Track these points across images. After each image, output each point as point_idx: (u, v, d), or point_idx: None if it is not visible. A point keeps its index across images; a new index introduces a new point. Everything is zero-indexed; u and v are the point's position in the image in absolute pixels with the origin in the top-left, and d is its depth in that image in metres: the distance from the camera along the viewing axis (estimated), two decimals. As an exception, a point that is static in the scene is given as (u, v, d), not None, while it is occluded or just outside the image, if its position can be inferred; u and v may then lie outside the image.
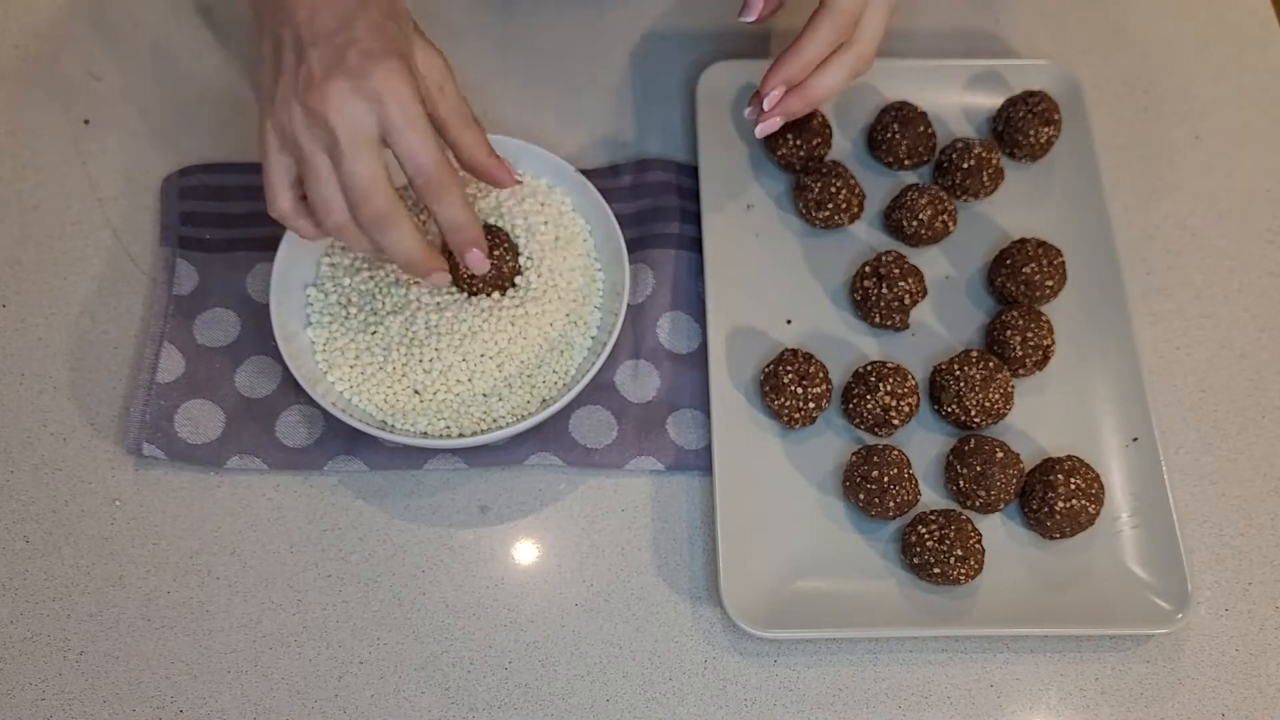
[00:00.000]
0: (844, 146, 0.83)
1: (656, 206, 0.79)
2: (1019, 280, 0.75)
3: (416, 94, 0.62)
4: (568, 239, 0.75)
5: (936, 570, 0.67)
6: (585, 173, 0.77)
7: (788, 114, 0.72)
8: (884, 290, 0.74)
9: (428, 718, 0.66)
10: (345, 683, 0.67)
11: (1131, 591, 0.69)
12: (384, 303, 0.72)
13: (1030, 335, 0.73)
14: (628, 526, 0.72)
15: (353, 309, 0.73)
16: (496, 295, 0.72)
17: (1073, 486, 0.69)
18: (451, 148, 0.67)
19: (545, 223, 0.75)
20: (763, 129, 0.72)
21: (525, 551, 0.71)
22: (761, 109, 0.72)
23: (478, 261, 0.66)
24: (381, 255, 0.66)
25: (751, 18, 0.71)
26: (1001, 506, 0.70)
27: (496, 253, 0.72)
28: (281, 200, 0.64)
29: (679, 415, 0.74)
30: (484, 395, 0.70)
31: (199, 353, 0.74)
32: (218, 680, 0.67)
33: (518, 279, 0.73)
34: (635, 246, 0.77)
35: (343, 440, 0.72)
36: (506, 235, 0.74)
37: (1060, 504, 0.68)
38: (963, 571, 0.67)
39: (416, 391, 0.70)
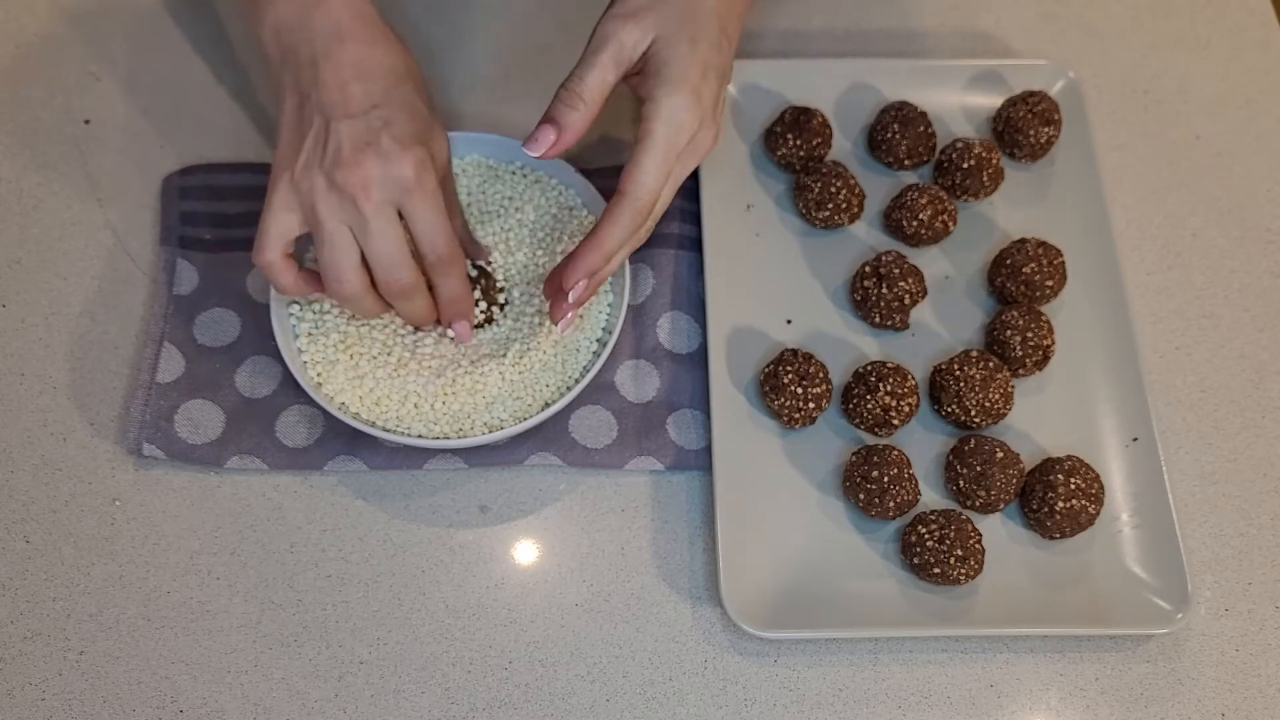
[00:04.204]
0: (844, 146, 0.83)
1: (656, 206, 0.79)
2: (1019, 280, 0.75)
3: (436, 181, 0.65)
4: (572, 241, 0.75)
5: (936, 570, 0.67)
6: (586, 173, 0.77)
7: (583, 303, 0.69)
8: (884, 290, 0.74)
9: (428, 718, 0.66)
10: (345, 683, 0.67)
11: (1131, 591, 0.69)
12: (384, 330, 0.73)
13: (1030, 335, 0.73)
14: (628, 526, 0.72)
15: (347, 335, 0.72)
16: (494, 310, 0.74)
17: (1073, 486, 0.69)
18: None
19: (551, 225, 0.75)
20: (564, 326, 0.69)
21: (525, 551, 0.71)
22: (565, 297, 0.67)
23: (463, 333, 0.70)
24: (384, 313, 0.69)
25: (538, 153, 0.65)
26: (1001, 506, 0.70)
27: (480, 306, 0.73)
28: (270, 252, 0.66)
29: (679, 415, 0.74)
30: (488, 404, 0.70)
31: (199, 353, 0.74)
32: (218, 680, 0.67)
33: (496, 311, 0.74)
34: (635, 246, 0.77)
35: (343, 440, 0.72)
36: (491, 280, 0.74)
37: (1060, 504, 0.68)
38: (963, 571, 0.67)
39: (415, 405, 0.70)
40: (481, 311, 0.73)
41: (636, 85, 0.67)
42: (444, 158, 0.69)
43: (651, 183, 0.65)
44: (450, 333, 0.70)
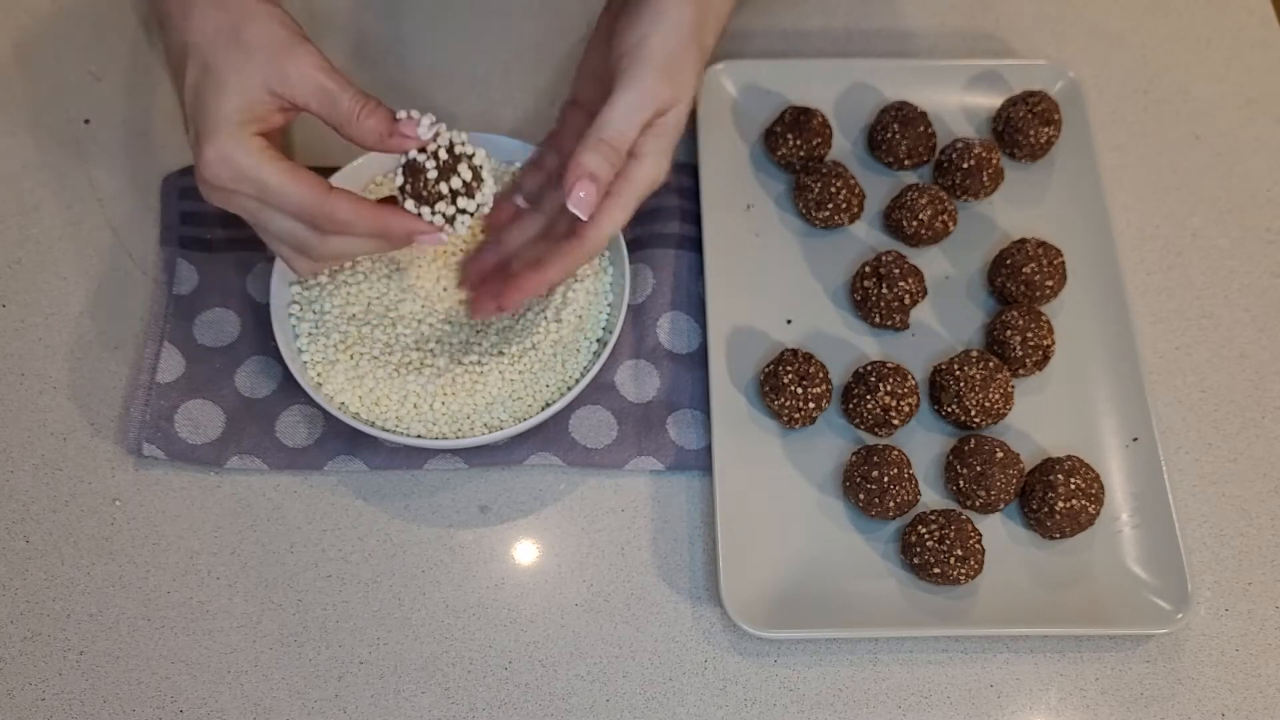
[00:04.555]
0: (844, 146, 0.83)
1: (656, 206, 0.79)
2: (1019, 280, 0.75)
3: (250, 155, 0.60)
4: None
5: (936, 570, 0.67)
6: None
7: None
8: (884, 290, 0.74)
9: (428, 718, 0.66)
10: (345, 683, 0.67)
11: (1131, 591, 0.69)
12: (381, 324, 0.72)
13: (1030, 335, 0.73)
14: (628, 526, 0.72)
15: (347, 335, 0.72)
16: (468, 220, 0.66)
17: (1073, 486, 0.69)
18: (355, 142, 0.63)
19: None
20: (483, 316, 0.69)
21: (525, 551, 0.71)
22: (494, 305, 0.67)
23: (430, 240, 0.63)
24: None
25: (587, 214, 0.64)
26: (1001, 506, 0.70)
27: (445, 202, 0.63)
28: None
29: (679, 415, 0.74)
30: (488, 404, 0.70)
31: (199, 353, 0.74)
32: (218, 680, 0.67)
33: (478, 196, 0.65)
34: (635, 246, 0.77)
35: (343, 440, 0.72)
36: (470, 164, 0.63)
37: (1060, 504, 0.68)
38: (963, 571, 0.67)
39: (415, 405, 0.70)
40: (449, 208, 0.63)
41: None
42: (307, 83, 0.61)
43: (612, 229, 0.65)
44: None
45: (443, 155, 0.62)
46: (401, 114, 0.62)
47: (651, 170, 0.65)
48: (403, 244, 0.64)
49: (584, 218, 0.63)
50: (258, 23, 0.61)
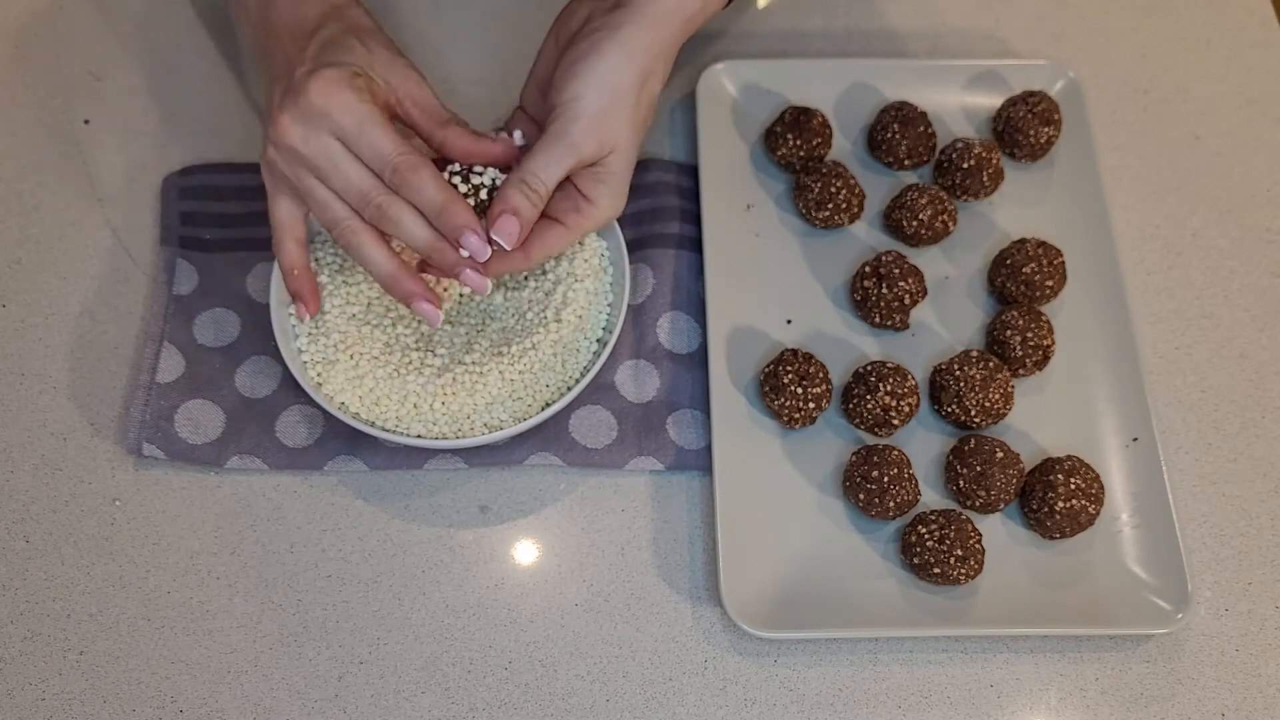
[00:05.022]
0: (844, 146, 0.83)
1: (656, 206, 0.79)
2: (1019, 280, 0.75)
3: (361, 94, 0.64)
4: (583, 251, 0.74)
5: (936, 570, 0.67)
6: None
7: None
8: (884, 290, 0.74)
9: (428, 718, 0.66)
10: (345, 683, 0.67)
11: (1131, 591, 0.69)
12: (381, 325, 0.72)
13: (1030, 335, 0.73)
14: (628, 526, 0.72)
15: (347, 335, 0.72)
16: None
17: (1073, 486, 0.69)
18: (439, 150, 0.68)
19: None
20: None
21: (525, 551, 0.71)
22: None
23: (477, 247, 0.64)
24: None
25: (511, 245, 0.65)
26: (1001, 506, 0.70)
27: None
28: (282, 248, 0.69)
29: (679, 415, 0.74)
30: (488, 404, 0.70)
31: (199, 353, 0.74)
32: (218, 680, 0.67)
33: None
34: (635, 246, 0.77)
35: (343, 440, 0.72)
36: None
37: (1060, 504, 0.68)
38: (963, 571, 0.67)
39: (415, 405, 0.70)
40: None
41: (575, 178, 0.68)
42: (410, 84, 0.67)
43: (558, 251, 0.69)
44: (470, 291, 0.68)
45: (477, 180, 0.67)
46: (491, 133, 0.69)
47: (604, 212, 0.69)
48: (448, 262, 0.65)
49: (508, 248, 0.65)
50: (382, 34, 0.69)
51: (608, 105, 0.66)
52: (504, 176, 0.67)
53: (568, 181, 0.68)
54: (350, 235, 0.65)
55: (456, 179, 0.66)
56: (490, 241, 0.65)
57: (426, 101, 0.68)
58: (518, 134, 0.70)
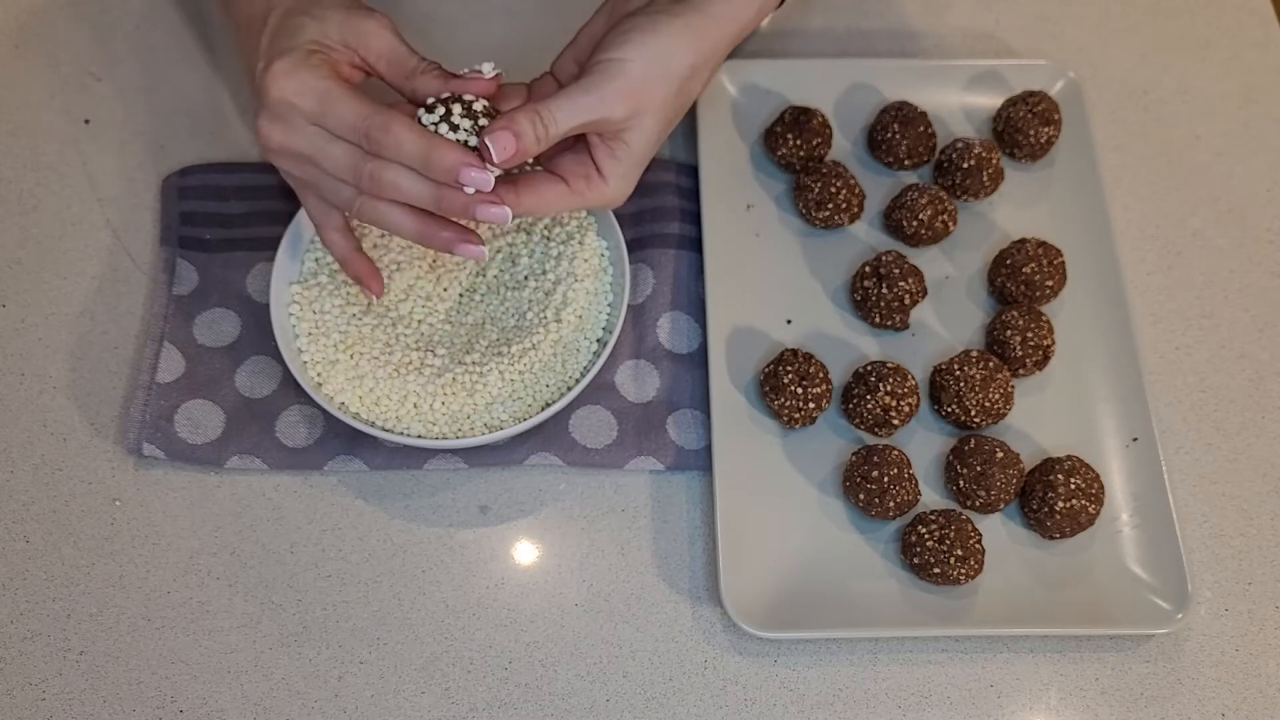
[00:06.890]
0: (844, 146, 0.83)
1: (656, 206, 0.79)
2: (1019, 280, 0.75)
3: (318, 72, 0.63)
4: (583, 250, 0.74)
5: (936, 570, 0.67)
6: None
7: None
8: (884, 290, 0.74)
9: (428, 718, 0.66)
10: (345, 683, 0.67)
11: (1131, 591, 0.69)
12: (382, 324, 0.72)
13: (1030, 335, 0.73)
14: (628, 526, 0.72)
15: (347, 335, 0.72)
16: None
17: (1073, 486, 0.69)
18: (412, 100, 0.66)
19: (550, 221, 0.75)
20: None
21: (525, 551, 0.71)
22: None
23: (477, 178, 0.62)
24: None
25: (500, 158, 0.63)
26: (1001, 506, 0.70)
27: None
28: (327, 234, 0.70)
29: (679, 415, 0.74)
30: (488, 404, 0.70)
31: (199, 353, 0.74)
32: (218, 680, 0.67)
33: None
34: (635, 246, 0.77)
35: (343, 440, 0.72)
36: (485, 106, 0.64)
37: (1060, 504, 0.68)
38: (963, 571, 0.67)
39: (415, 405, 0.70)
40: (472, 139, 0.63)
41: (593, 148, 0.67)
42: (378, 41, 0.65)
43: (556, 211, 0.68)
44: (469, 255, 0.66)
45: (460, 105, 0.63)
46: (464, 70, 0.65)
47: (612, 191, 0.67)
48: (459, 205, 0.63)
49: (495, 160, 0.62)
50: None
51: (651, 77, 0.65)
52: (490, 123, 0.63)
53: (585, 150, 0.67)
54: (367, 211, 0.65)
55: (444, 127, 0.62)
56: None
57: (393, 52, 0.65)
58: (487, 65, 0.65)
